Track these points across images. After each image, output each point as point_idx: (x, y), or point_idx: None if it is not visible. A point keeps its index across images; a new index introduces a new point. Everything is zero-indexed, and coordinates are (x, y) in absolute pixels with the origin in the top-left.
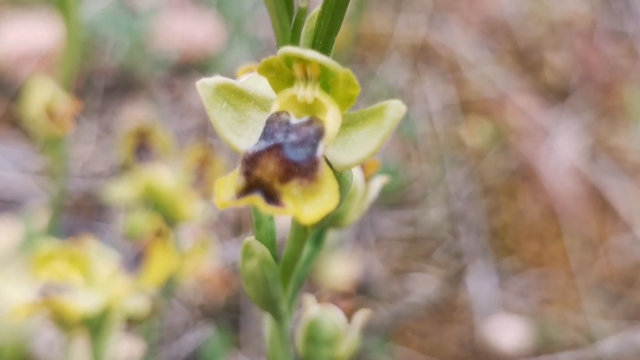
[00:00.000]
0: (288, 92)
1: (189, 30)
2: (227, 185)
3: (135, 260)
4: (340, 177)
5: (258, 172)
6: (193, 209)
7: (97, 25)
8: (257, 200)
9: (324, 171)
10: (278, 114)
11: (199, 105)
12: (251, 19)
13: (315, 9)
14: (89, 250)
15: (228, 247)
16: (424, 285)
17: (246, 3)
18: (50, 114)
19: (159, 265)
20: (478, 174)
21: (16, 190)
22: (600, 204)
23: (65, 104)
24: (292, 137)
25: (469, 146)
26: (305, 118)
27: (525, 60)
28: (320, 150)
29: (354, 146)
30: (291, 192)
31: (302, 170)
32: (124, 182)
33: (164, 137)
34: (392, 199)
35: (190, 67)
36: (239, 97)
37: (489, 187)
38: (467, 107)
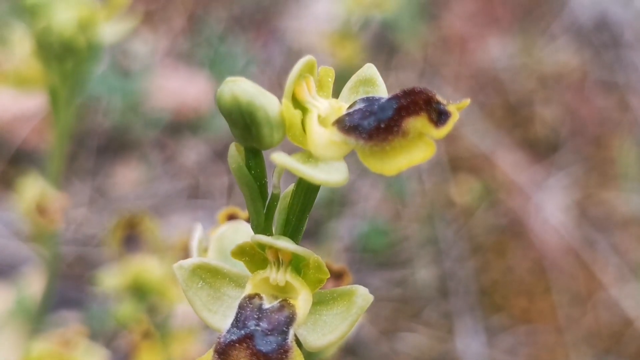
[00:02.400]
0: (261, 274)
1: (181, 90)
2: None
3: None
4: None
5: None
6: (180, 296)
7: (90, 86)
8: None
9: (294, 357)
10: (250, 297)
11: (191, 166)
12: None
13: (289, 187)
14: (78, 348)
15: (215, 332)
16: (414, 346)
17: (238, 63)
18: (40, 210)
19: None
20: (467, 232)
21: (9, 255)
22: (590, 258)
23: (54, 200)
24: (263, 324)
25: (458, 204)
26: (276, 303)
27: (516, 114)
28: (291, 336)
29: (324, 327)
30: None
31: None
32: (113, 271)
33: (152, 227)
34: (381, 259)
35: (183, 126)
36: (214, 275)
37: (478, 244)
38: (456, 164)
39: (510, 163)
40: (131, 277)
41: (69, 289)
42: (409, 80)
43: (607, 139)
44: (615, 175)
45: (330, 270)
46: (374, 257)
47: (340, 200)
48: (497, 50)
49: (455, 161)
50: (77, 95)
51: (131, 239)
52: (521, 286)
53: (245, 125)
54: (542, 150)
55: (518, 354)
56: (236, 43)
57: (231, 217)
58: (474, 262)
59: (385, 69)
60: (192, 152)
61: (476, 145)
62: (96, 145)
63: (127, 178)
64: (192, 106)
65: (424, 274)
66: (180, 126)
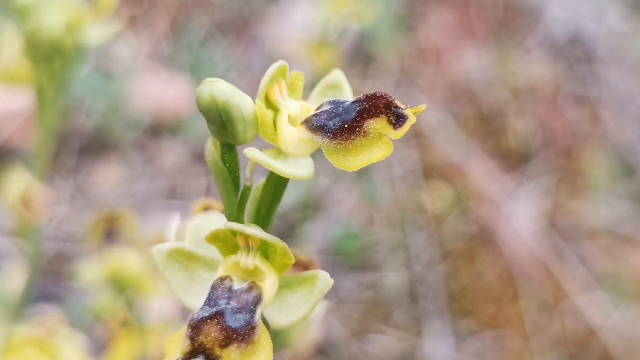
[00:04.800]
0: (232, 258)
1: (162, 93)
2: (175, 344)
3: (101, 347)
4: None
5: (201, 338)
6: (157, 290)
7: (73, 88)
8: None
9: (260, 333)
10: (222, 279)
11: (170, 167)
12: None
13: (261, 181)
14: (58, 335)
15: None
16: (383, 347)
17: (218, 67)
18: (25, 203)
19: (123, 353)
20: (438, 238)
21: None
22: (557, 267)
23: (39, 194)
24: (233, 303)
25: (429, 211)
26: (245, 284)
27: (489, 125)
28: (258, 315)
29: (289, 308)
30: (230, 355)
31: (240, 335)
32: (92, 264)
33: (131, 222)
34: (353, 262)
35: (162, 129)
36: (189, 259)
37: (448, 251)
38: (429, 172)
39: (482, 172)
40: (110, 270)
41: (48, 284)
42: (385, 89)
43: (577, 151)
44: (584, 186)
45: (299, 261)
46: (346, 261)
47: (314, 204)
48: (472, 62)
49: (428, 169)
50: (62, 94)
51: (110, 233)
52: (490, 292)
53: (221, 122)
54: (513, 160)
55: (485, 358)
56: (217, 48)
57: (206, 209)
58: (444, 267)
59: (362, 78)
60: (171, 153)
61: (449, 154)
62: (78, 145)
63: (108, 177)
64: (173, 109)
65: (394, 277)
66: (160, 128)
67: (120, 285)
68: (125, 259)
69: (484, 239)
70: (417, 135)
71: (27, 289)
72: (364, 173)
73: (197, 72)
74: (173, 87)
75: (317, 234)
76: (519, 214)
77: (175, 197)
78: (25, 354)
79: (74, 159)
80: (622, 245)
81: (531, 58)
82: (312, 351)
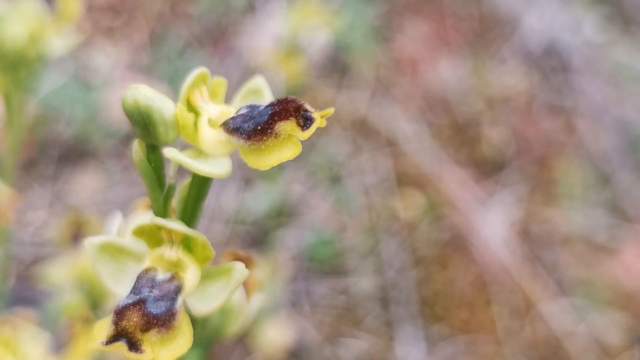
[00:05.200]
0: (157, 250)
1: None
2: (102, 329)
3: (62, 344)
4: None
5: (124, 323)
6: None
7: (52, 98)
8: (121, 347)
9: (181, 320)
10: (147, 270)
11: None
12: None
13: (187, 180)
14: (23, 332)
15: None
16: (355, 351)
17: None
18: None
19: (83, 350)
20: (410, 244)
21: None
22: (530, 274)
23: (7, 197)
24: (155, 292)
25: (402, 218)
26: (168, 274)
27: (463, 135)
28: (179, 303)
29: (209, 297)
30: (151, 339)
31: (161, 321)
32: (59, 265)
33: (97, 226)
34: (327, 268)
35: None
36: (120, 252)
37: (421, 257)
38: (403, 180)
39: (455, 180)
40: (76, 271)
41: (25, 289)
42: (360, 99)
43: (552, 160)
44: (558, 195)
45: (239, 258)
46: (320, 266)
47: (289, 211)
48: (447, 72)
49: (402, 177)
50: (28, 102)
51: (78, 236)
52: (462, 298)
53: (144, 124)
54: (487, 169)
55: None
56: (194, 59)
57: (149, 208)
58: (416, 273)
59: (337, 88)
60: None
61: (423, 163)
62: (57, 153)
63: (86, 185)
64: None
65: (367, 283)
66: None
67: (86, 286)
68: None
69: (457, 245)
70: (391, 144)
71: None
72: (338, 181)
73: (176, 82)
74: None
75: (290, 241)
76: (492, 222)
77: None
78: None
79: (52, 167)
80: (596, 253)
81: (506, 68)
82: (285, 355)
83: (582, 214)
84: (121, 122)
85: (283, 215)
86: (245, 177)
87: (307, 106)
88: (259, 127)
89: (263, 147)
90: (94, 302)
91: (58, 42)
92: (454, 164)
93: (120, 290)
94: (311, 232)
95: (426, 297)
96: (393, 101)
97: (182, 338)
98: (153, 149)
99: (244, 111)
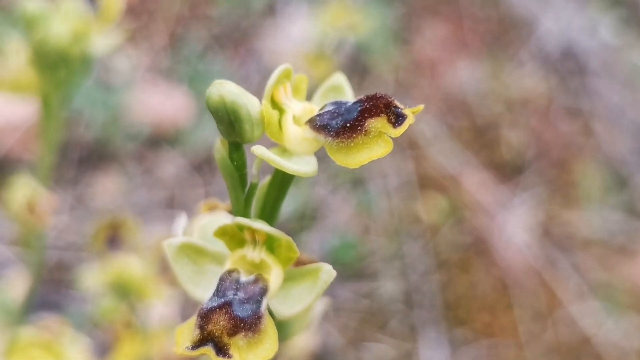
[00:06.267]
0: (239, 252)
1: (160, 105)
2: (185, 334)
3: (105, 349)
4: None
5: (210, 327)
6: (159, 295)
7: (73, 100)
8: (209, 351)
9: (267, 323)
10: (229, 272)
11: (168, 178)
12: None
13: (266, 179)
14: (63, 337)
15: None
16: (379, 356)
17: (216, 80)
18: (30, 209)
19: (127, 354)
20: (433, 248)
21: None
22: (551, 277)
23: (44, 199)
24: (240, 294)
25: (424, 221)
26: (252, 277)
27: (482, 137)
28: (264, 305)
29: (294, 300)
30: (238, 344)
31: (247, 325)
32: (95, 269)
33: (134, 228)
34: (350, 271)
35: (161, 140)
36: (198, 254)
37: (444, 260)
38: (424, 183)
39: (476, 183)
40: (112, 275)
41: (49, 293)
42: None
43: (570, 162)
44: (577, 197)
45: (301, 260)
46: (343, 270)
47: (311, 214)
48: (466, 75)
49: (423, 180)
50: (67, 104)
51: (113, 239)
52: (484, 302)
53: (229, 121)
54: (507, 171)
55: None
56: (215, 61)
57: (212, 209)
58: (439, 277)
59: (358, 90)
60: (170, 164)
61: (444, 166)
62: (78, 156)
63: (107, 188)
64: (171, 121)
65: (390, 286)
66: (159, 140)
67: (123, 291)
68: (128, 265)
69: (478, 249)
70: (412, 147)
71: (29, 297)
72: (360, 184)
73: (196, 84)
74: (172, 99)
75: (314, 244)
76: (513, 225)
77: (173, 207)
78: (32, 355)
79: (73, 169)
80: (615, 255)
81: (524, 71)
82: (309, 359)
83: (600, 216)
84: (142, 124)
85: (306, 218)
86: None
87: (398, 102)
88: (348, 124)
89: (352, 144)
90: (131, 304)
91: (101, 41)
92: (474, 167)
93: (198, 293)
94: (334, 236)
95: (449, 300)
96: (413, 103)
97: (269, 342)
98: (236, 147)
99: (330, 108)
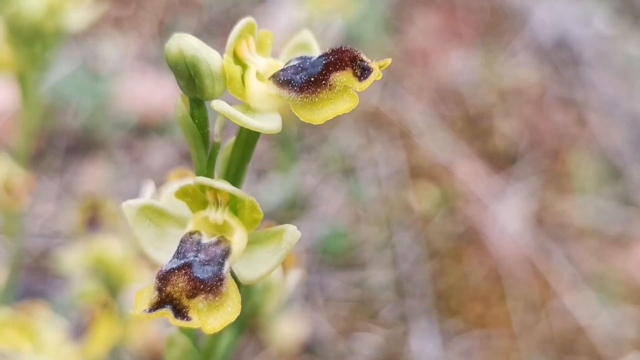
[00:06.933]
0: (201, 213)
1: (149, 94)
2: (144, 297)
3: (82, 330)
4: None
5: (168, 289)
6: (140, 277)
7: (60, 88)
8: (167, 314)
9: (229, 286)
10: (191, 234)
11: (157, 167)
12: None
13: (230, 140)
14: (39, 318)
15: None
16: (370, 345)
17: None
18: (8, 189)
19: (103, 335)
20: (424, 237)
21: None
22: (544, 267)
23: (21, 179)
24: (201, 256)
25: (416, 210)
26: (214, 238)
27: (475, 127)
28: (226, 268)
29: (257, 262)
30: (197, 306)
31: (208, 286)
32: (75, 251)
33: (114, 211)
34: (340, 261)
35: (149, 129)
36: (160, 216)
37: (435, 250)
38: (416, 173)
39: (468, 173)
40: (92, 256)
41: (34, 282)
42: (372, 90)
43: (564, 153)
44: (571, 188)
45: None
46: (333, 259)
47: (301, 203)
48: (458, 64)
49: (415, 169)
50: (43, 81)
51: (93, 221)
52: (477, 292)
53: (189, 76)
54: (500, 161)
55: (472, 357)
56: None
57: (181, 176)
58: (431, 266)
59: None
60: (158, 153)
61: (436, 155)
62: (65, 144)
63: (94, 176)
64: (160, 109)
65: (381, 276)
66: (147, 128)
67: (103, 272)
68: (107, 247)
69: (471, 238)
70: (403, 136)
71: (10, 286)
72: (350, 173)
73: None
74: (160, 88)
75: (304, 234)
76: (506, 215)
77: None
78: (6, 335)
79: (60, 158)
80: (609, 246)
81: (517, 61)
82: (299, 349)
83: (594, 207)
84: (130, 112)
85: (296, 207)
86: (258, 168)
87: (364, 56)
88: (312, 79)
89: (317, 99)
90: (111, 288)
91: (75, 15)
92: (466, 157)
93: (160, 256)
94: (324, 225)
95: (441, 290)
96: (405, 93)
97: (231, 305)
98: (198, 104)
99: (294, 62)
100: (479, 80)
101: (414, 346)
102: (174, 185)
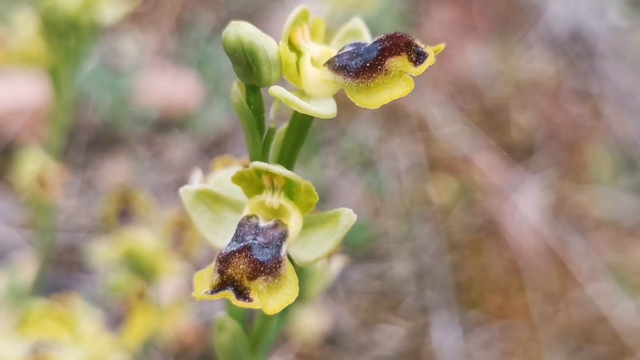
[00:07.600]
0: (257, 198)
1: (169, 89)
2: (203, 280)
3: (118, 320)
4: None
5: (230, 271)
6: (171, 269)
7: (80, 83)
8: (229, 295)
9: (287, 268)
10: (248, 217)
11: (178, 161)
12: (228, 78)
13: (284, 125)
14: (76, 309)
15: (202, 304)
16: (391, 337)
17: (224, 64)
18: (41, 182)
19: (140, 325)
20: (444, 229)
21: (1, 241)
22: (562, 258)
23: (54, 172)
24: (260, 239)
25: (435, 203)
26: (271, 222)
27: (492, 119)
28: (284, 250)
29: (314, 246)
30: (258, 288)
31: (268, 269)
32: (106, 243)
33: (145, 203)
34: (361, 253)
35: (170, 124)
36: (215, 201)
37: (455, 242)
38: (434, 165)
39: (486, 165)
40: (124, 248)
41: (59, 276)
42: None
43: (580, 145)
44: (587, 179)
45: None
46: (354, 251)
47: (321, 196)
48: (475, 58)
49: (433, 162)
50: (76, 75)
51: (125, 212)
52: (496, 283)
53: (246, 63)
54: (517, 154)
55: (492, 348)
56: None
57: (226, 165)
58: (451, 258)
59: None
60: (179, 148)
61: (454, 148)
62: (86, 140)
63: (116, 171)
64: (180, 104)
65: (402, 268)
66: (168, 123)
67: (134, 265)
68: (139, 239)
69: (489, 230)
70: (421, 129)
71: (38, 279)
72: (370, 166)
73: (204, 68)
74: (180, 83)
75: None
76: (524, 206)
77: None
78: (44, 326)
79: (82, 153)
80: (626, 237)
81: (533, 53)
82: (321, 341)
83: (611, 198)
84: (151, 108)
85: None
86: None
87: (418, 41)
88: (368, 64)
89: (372, 85)
90: (144, 276)
91: (109, 9)
92: (484, 149)
93: (217, 241)
94: None
95: (461, 282)
96: (423, 86)
97: (289, 287)
98: (254, 91)
99: (349, 49)
100: (495, 73)
101: (434, 338)
102: (220, 173)
